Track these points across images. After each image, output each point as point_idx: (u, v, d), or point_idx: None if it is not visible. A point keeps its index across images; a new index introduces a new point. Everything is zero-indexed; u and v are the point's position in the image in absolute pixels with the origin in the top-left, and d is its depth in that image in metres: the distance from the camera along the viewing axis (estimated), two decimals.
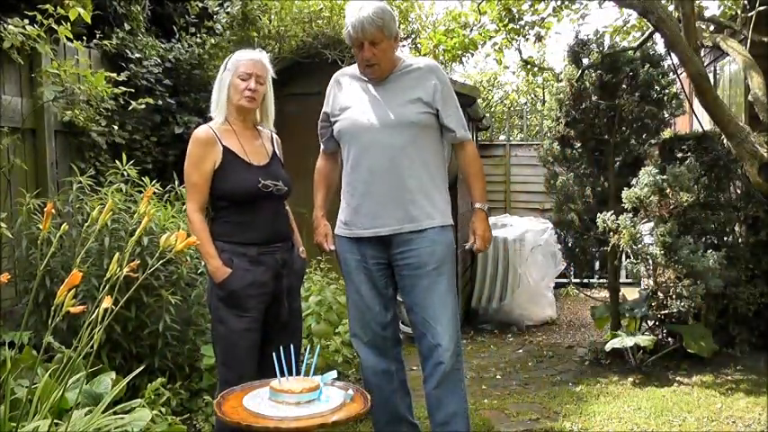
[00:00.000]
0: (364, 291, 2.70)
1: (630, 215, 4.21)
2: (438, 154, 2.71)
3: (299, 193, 3.00)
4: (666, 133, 5.02)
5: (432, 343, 2.63)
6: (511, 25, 6.43)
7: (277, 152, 2.69)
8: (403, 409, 2.82)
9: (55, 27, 3.42)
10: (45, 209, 1.98)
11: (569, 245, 4.97)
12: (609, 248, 4.41)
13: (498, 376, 4.46)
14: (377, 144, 2.58)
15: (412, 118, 2.59)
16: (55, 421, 1.98)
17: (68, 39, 3.52)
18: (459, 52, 7.86)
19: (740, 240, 4.77)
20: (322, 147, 2.86)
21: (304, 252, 2.72)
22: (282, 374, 2.01)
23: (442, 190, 2.70)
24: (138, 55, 4.48)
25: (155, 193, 3.30)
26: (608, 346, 4.23)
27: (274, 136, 2.73)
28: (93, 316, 1.81)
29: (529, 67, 7.77)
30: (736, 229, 4.80)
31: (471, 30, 7.66)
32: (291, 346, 2.19)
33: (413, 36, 7.69)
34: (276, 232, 2.58)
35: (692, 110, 5.34)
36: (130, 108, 4.10)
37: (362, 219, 2.64)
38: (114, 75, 3.94)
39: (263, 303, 2.52)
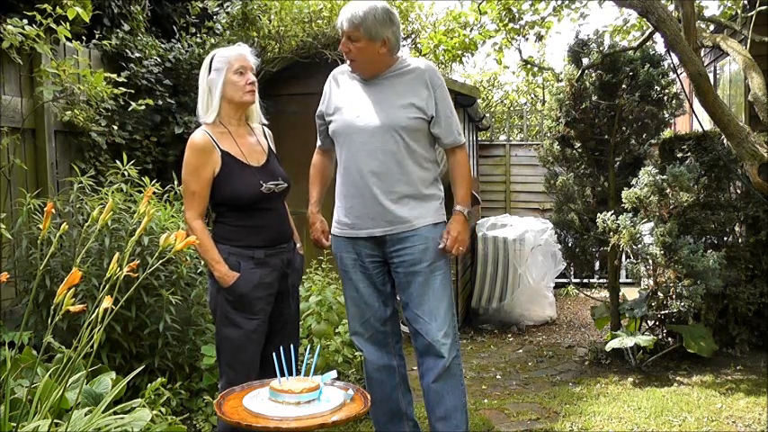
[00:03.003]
0: (362, 288, 2.71)
1: (630, 215, 4.20)
2: (429, 155, 2.69)
3: (299, 194, 3.00)
4: (666, 133, 5.02)
5: (426, 339, 2.65)
6: (511, 25, 6.45)
7: (271, 146, 2.67)
8: (404, 405, 2.83)
9: (54, 27, 3.41)
10: (45, 209, 1.98)
11: (569, 245, 4.97)
12: (609, 248, 4.41)
13: (498, 376, 4.46)
14: (368, 147, 2.58)
15: (403, 123, 2.58)
16: (55, 421, 1.98)
17: (67, 38, 3.51)
18: (460, 52, 7.87)
19: (740, 240, 4.77)
20: (319, 143, 2.86)
21: (302, 248, 2.73)
22: (282, 374, 2.01)
23: (434, 190, 2.69)
24: (137, 55, 4.48)
25: (154, 192, 3.30)
26: (608, 347, 4.22)
27: (266, 129, 2.70)
28: (93, 316, 1.81)
29: (529, 66, 7.78)
30: (737, 229, 4.80)
31: (471, 30, 7.68)
32: (291, 345, 2.18)
33: (413, 36, 7.70)
34: (282, 233, 2.57)
35: (692, 110, 5.33)
36: (130, 108, 4.09)
37: (355, 220, 2.65)
38: (114, 75, 3.93)
39: (269, 305, 2.51)
